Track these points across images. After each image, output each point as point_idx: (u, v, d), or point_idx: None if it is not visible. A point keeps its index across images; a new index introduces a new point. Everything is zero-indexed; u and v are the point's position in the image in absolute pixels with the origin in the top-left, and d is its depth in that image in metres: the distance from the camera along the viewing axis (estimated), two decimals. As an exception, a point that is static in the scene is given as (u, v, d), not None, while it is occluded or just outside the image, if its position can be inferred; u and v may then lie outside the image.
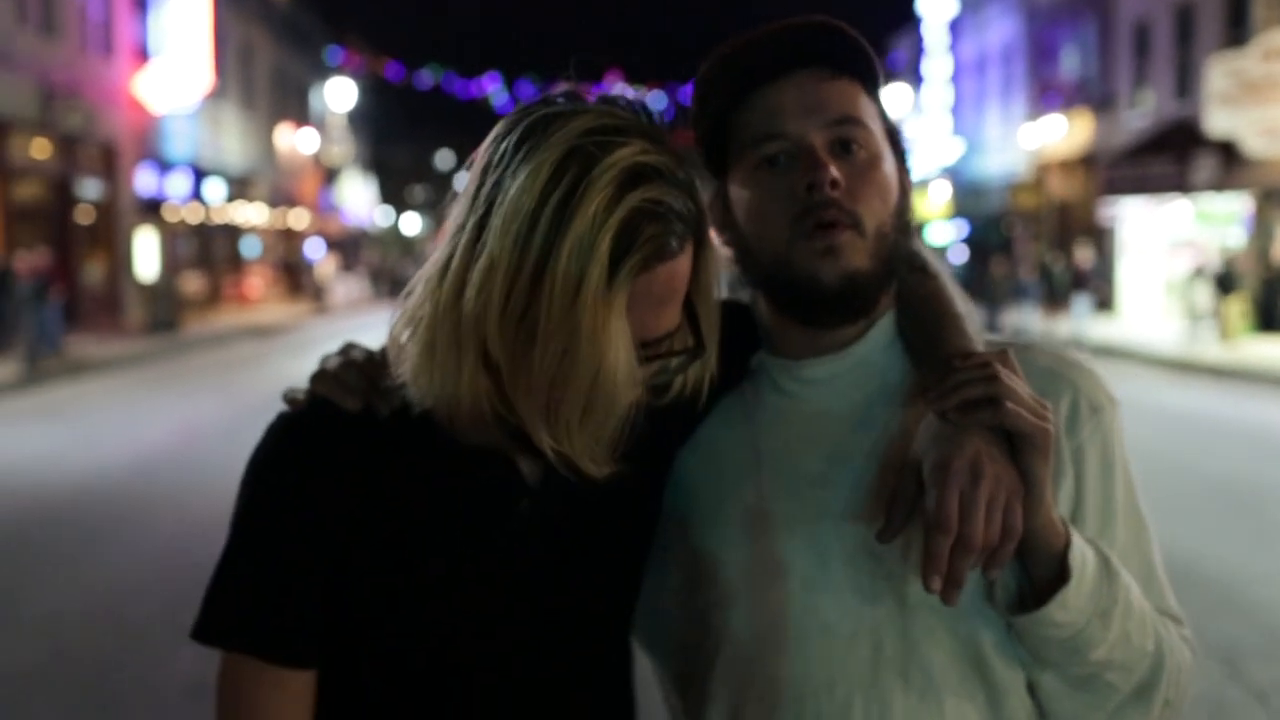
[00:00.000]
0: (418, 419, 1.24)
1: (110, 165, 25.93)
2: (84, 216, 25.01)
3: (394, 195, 70.39)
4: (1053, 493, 1.20)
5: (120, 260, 26.35)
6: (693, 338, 1.22)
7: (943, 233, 41.19)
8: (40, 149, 23.02)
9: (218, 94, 31.15)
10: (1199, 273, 19.14)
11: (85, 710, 4.83)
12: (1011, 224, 35.00)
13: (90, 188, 25.16)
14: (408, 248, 67.31)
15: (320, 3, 43.41)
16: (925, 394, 1.22)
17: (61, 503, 8.71)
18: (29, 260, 18.50)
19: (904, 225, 1.32)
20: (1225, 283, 19.85)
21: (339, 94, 46.32)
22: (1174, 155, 23.32)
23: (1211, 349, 19.05)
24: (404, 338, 1.21)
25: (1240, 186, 21.73)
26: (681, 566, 1.36)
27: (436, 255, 1.19)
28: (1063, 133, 31.18)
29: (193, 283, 29.75)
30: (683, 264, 1.17)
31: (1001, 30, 36.65)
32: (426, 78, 45.38)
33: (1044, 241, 31.25)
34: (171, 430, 12.40)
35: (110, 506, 8.62)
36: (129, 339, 22.71)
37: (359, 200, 53.33)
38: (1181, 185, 23.05)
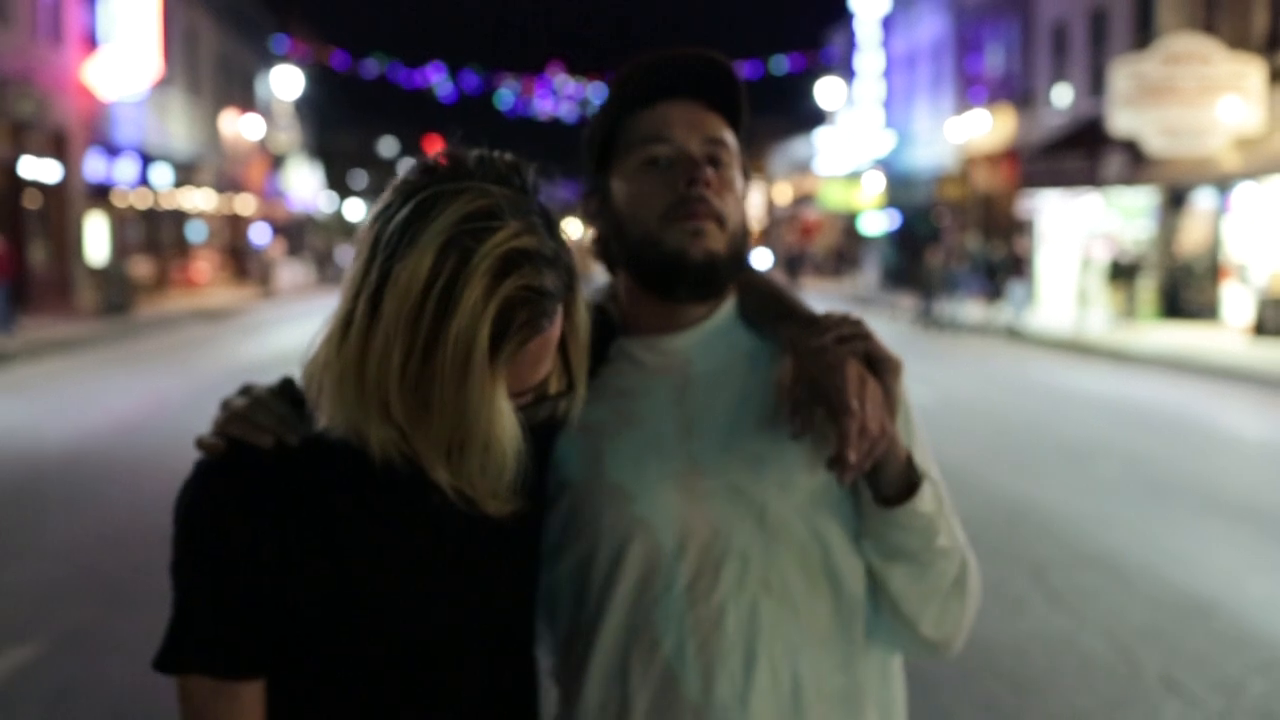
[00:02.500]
0: (328, 442, 1.34)
1: (60, 151, 26.07)
2: (33, 201, 25.20)
3: (338, 181, 70.60)
4: None
5: (70, 244, 26.56)
6: (565, 377, 1.37)
7: (875, 222, 42.26)
8: (-10, 135, 23.49)
9: (164, 80, 31.41)
10: (1088, 263, 20.32)
11: (115, 610, 5.82)
12: (940, 215, 36.13)
13: (40, 173, 25.34)
14: (351, 233, 67.56)
15: (265, -10, 43.79)
16: (794, 343, 1.47)
17: (52, 463, 9.62)
18: None
19: (747, 232, 1.56)
20: (1116, 271, 21.15)
21: (285, 82, 46.48)
22: (1086, 151, 24.39)
23: (1099, 332, 20.28)
24: (316, 384, 1.33)
25: (1146, 182, 22.93)
26: (568, 527, 1.52)
27: (338, 310, 1.30)
28: (987, 127, 32.15)
29: (141, 267, 29.96)
30: (555, 331, 1.29)
31: (931, 27, 37.59)
32: (372, 67, 45.97)
33: (975, 231, 32.33)
34: (138, 403, 13.24)
35: (97, 465, 9.54)
36: (81, 322, 23.06)
37: (305, 186, 53.68)
38: (1093, 180, 24.17)
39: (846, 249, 46.12)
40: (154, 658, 1.38)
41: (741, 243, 1.54)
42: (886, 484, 1.44)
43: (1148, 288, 22.81)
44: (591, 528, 1.50)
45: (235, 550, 1.33)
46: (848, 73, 44.19)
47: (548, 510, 1.53)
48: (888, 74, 41.33)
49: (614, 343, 1.57)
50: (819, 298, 33.58)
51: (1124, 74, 21.61)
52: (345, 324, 1.27)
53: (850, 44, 43.72)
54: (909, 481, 1.44)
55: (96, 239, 28.07)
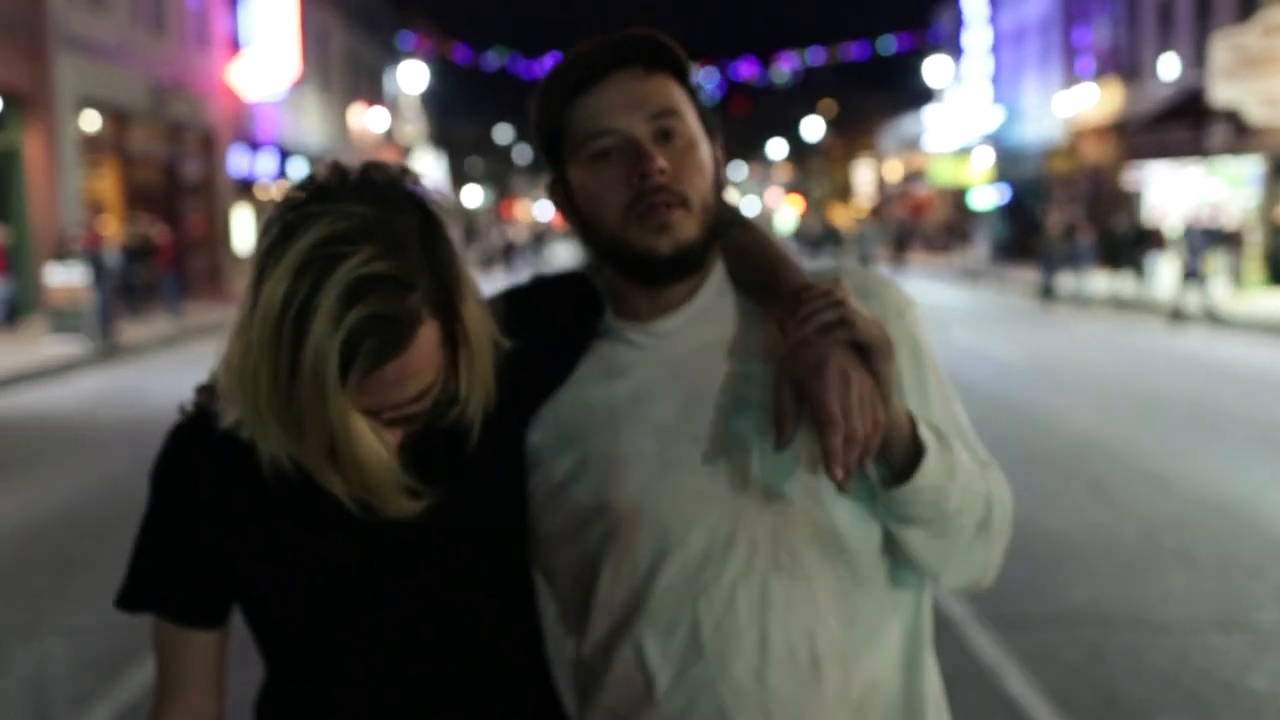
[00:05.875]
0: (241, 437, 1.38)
1: (209, 149, 28.15)
2: (187, 196, 27.36)
3: (457, 169, 72.40)
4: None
5: (219, 235, 28.70)
6: (456, 383, 1.37)
7: (985, 197, 42.69)
8: (151, 137, 25.40)
9: (299, 79, 33.24)
10: (1187, 232, 20.83)
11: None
12: (1049, 188, 36.55)
13: (192, 170, 27.46)
14: (469, 220, 69.44)
15: (389, -12, 45.66)
16: (781, 325, 1.42)
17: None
18: (90, 231, 19.89)
19: (720, 192, 1.49)
20: (1215, 240, 21.65)
21: (411, 76, 48.00)
22: (1190, 122, 24.87)
23: (1202, 299, 20.81)
24: (223, 382, 1.37)
25: (1250, 151, 23.32)
26: (571, 511, 1.49)
27: (238, 315, 1.32)
28: (1094, 101, 32.51)
29: (282, 255, 31.86)
30: (415, 352, 1.27)
31: (1039, 2, 38.09)
32: (493, 59, 47.67)
33: (1070, 207, 32.77)
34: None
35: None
36: (236, 307, 24.95)
37: (431, 175, 55.35)
38: (1198, 150, 24.66)
39: (956, 224, 46.59)
40: (115, 596, 1.49)
41: (715, 211, 1.48)
42: (891, 461, 1.40)
43: (1253, 255, 23.26)
44: (599, 515, 1.48)
45: (185, 506, 1.44)
46: (955, 50, 44.62)
47: (549, 488, 1.51)
48: (995, 50, 41.69)
49: (605, 318, 1.54)
50: (928, 273, 34.37)
51: (1224, 46, 22.04)
52: (241, 332, 1.31)
53: (958, 21, 44.13)
54: (916, 451, 1.39)
55: (243, 230, 30.03)
